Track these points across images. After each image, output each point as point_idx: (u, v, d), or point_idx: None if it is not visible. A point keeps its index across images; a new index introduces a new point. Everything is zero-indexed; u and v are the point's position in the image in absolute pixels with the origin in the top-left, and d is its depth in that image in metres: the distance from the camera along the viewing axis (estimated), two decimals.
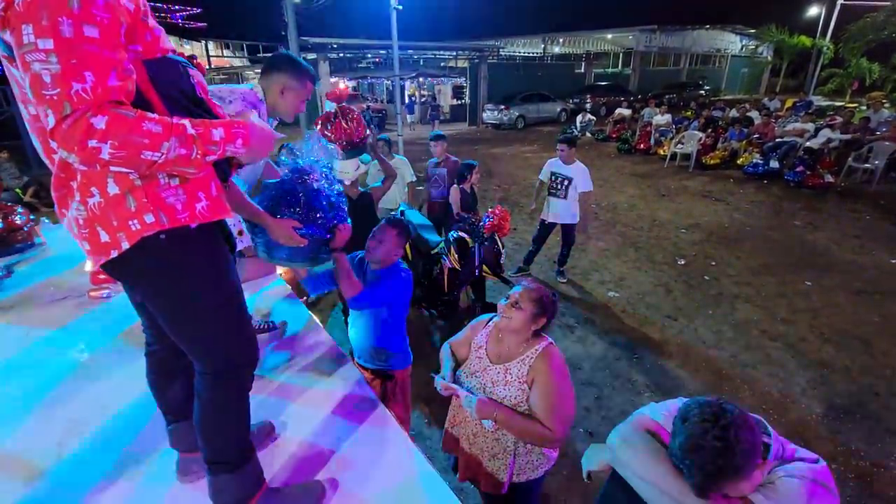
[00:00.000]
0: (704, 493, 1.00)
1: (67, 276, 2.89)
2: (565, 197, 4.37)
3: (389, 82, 18.44)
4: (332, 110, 2.51)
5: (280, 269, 2.85)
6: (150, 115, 0.89)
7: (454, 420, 1.79)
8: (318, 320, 2.43)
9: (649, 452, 1.10)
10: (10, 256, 3.16)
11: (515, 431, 1.54)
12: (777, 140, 9.30)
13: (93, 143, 0.82)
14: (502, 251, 3.57)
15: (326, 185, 1.65)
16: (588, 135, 14.06)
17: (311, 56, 15.00)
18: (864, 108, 13.33)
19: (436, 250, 3.68)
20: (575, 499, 2.36)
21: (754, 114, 11.51)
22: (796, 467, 1.01)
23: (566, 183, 4.33)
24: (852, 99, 20.62)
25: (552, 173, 4.44)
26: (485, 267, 3.53)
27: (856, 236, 5.96)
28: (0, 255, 3.14)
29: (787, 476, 1.00)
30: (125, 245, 0.98)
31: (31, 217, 3.46)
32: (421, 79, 20.01)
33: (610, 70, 27.07)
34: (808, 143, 8.62)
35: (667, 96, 19.69)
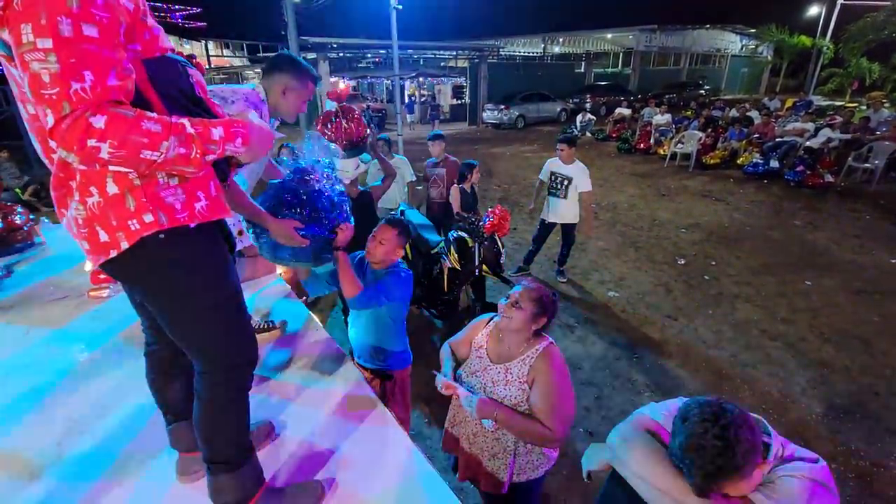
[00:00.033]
0: (704, 493, 1.00)
1: (67, 275, 2.88)
2: (565, 196, 4.37)
3: (389, 82, 18.43)
4: (333, 109, 2.52)
5: (280, 269, 2.86)
6: (149, 114, 0.89)
7: (454, 420, 1.79)
8: (318, 320, 2.43)
9: (649, 452, 1.10)
10: (9, 256, 3.15)
11: (515, 431, 1.53)
12: (777, 140, 9.29)
13: (92, 142, 0.82)
14: (502, 251, 3.57)
15: (328, 185, 1.65)
16: (588, 134, 14.05)
17: (311, 56, 14.99)
18: (864, 107, 13.36)
19: (436, 250, 3.67)
20: (575, 499, 2.36)
21: (754, 113, 11.50)
22: (796, 467, 1.01)
23: (566, 182, 4.33)
24: (852, 99, 20.65)
25: (552, 173, 4.44)
26: (485, 266, 3.52)
27: (856, 236, 5.96)
28: (0, 255, 3.14)
29: (787, 476, 1.00)
30: (124, 245, 0.98)
31: (31, 217, 3.45)
32: (421, 78, 20.01)
33: (610, 70, 27.06)
34: (808, 143, 8.62)
35: (667, 96, 19.71)
